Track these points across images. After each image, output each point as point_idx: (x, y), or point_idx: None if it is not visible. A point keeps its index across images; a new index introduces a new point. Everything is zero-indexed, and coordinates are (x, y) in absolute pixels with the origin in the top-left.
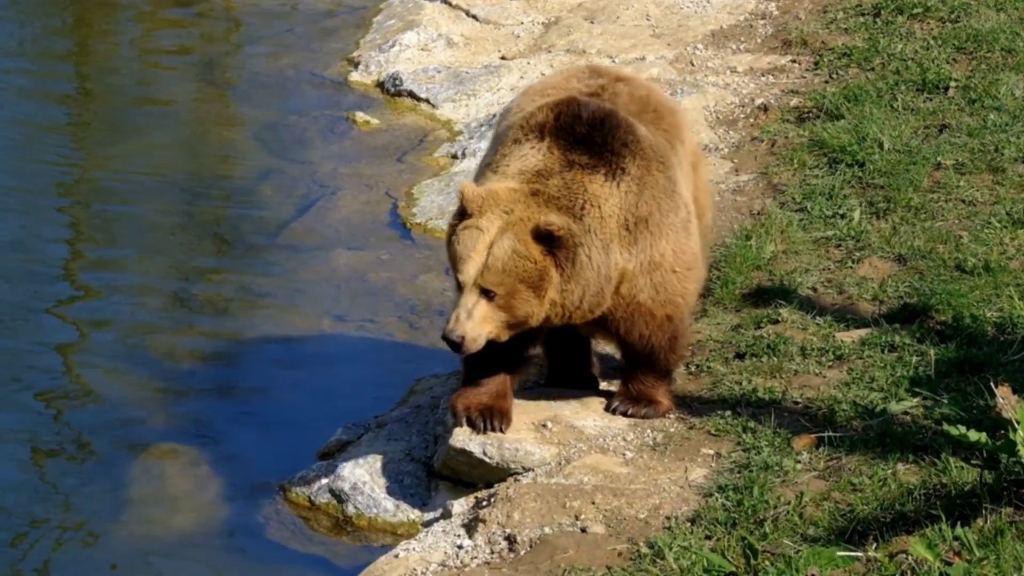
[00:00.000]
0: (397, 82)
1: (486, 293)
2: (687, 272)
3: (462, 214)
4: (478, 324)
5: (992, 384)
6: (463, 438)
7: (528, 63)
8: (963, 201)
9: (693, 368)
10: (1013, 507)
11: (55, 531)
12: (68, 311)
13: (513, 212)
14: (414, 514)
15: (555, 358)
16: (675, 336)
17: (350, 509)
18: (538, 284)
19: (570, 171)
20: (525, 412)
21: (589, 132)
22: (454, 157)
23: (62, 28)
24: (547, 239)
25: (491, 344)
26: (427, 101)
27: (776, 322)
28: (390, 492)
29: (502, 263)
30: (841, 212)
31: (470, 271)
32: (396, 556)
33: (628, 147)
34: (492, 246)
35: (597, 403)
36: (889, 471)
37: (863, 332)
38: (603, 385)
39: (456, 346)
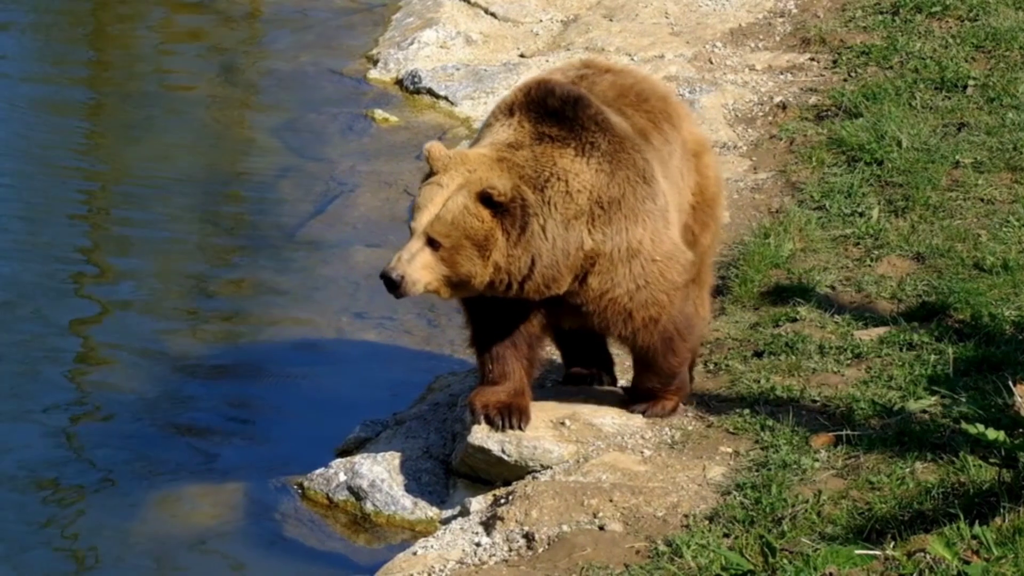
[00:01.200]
0: (416, 80)
1: (432, 243)
2: (668, 261)
3: (430, 174)
4: (419, 269)
5: (1010, 382)
6: (481, 436)
7: (547, 61)
8: (981, 200)
9: (711, 366)
10: None
11: (72, 524)
12: (87, 306)
13: (475, 172)
14: (432, 512)
15: (571, 356)
16: (668, 338)
17: (368, 506)
18: (483, 244)
19: (540, 144)
20: (543, 410)
21: (560, 106)
22: None
23: (81, 21)
24: (487, 202)
25: (508, 340)
26: (446, 99)
27: (794, 320)
28: (408, 489)
29: (452, 216)
30: (859, 210)
31: (422, 220)
32: (414, 554)
33: (599, 124)
34: (448, 200)
35: (615, 401)
36: (907, 469)
37: (881, 330)
38: (622, 383)
39: (393, 285)
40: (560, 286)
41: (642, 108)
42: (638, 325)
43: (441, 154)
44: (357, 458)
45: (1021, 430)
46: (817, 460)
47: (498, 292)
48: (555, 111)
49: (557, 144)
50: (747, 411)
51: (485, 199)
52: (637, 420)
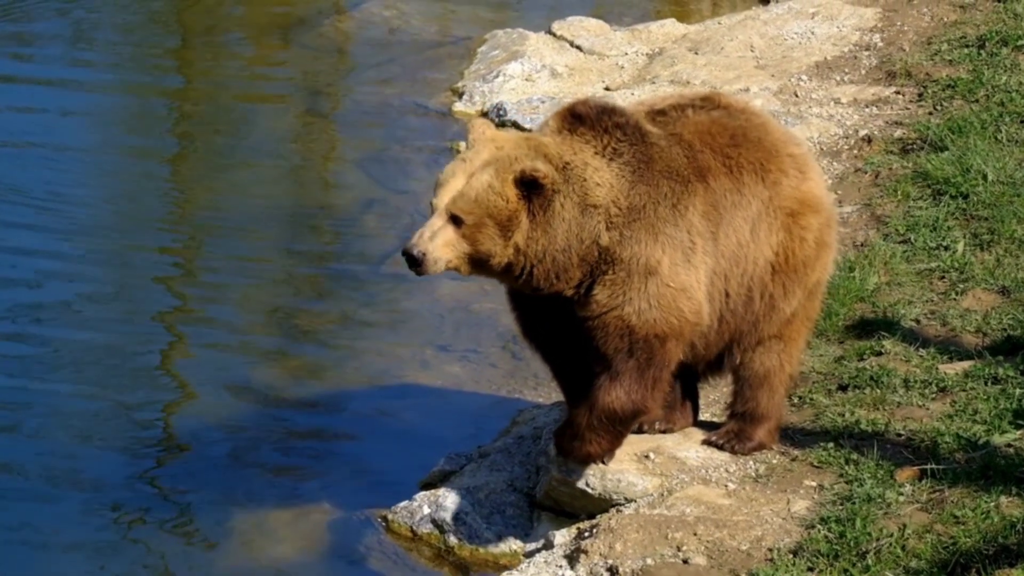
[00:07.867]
0: (501, 112)
1: (455, 220)
2: (682, 292)
3: None
4: (440, 247)
5: None
6: (566, 469)
7: (632, 94)
8: None
9: (796, 400)
10: None
11: (153, 555)
12: (171, 338)
13: (503, 149)
14: (516, 545)
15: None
16: (649, 358)
17: (452, 539)
18: (506, 224)
19: (560, 135)
20: (627, 443)
21: (587, 112)
22: None
23: (167, 53)
24: (530, 184)
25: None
26: (531, 131)
27: (879, 354)
28: (492, 522)
29: (476, 192)
30: (945, 244)
31: (444, 196)
32: None
33: (625, 134)
34: (472, 176)
35: (699, 434)
36: (992, 504)
37: (966, 364)
38: (706, 416)
39: (415, 262)
40: (569, 279)
41: (724, 151)
42: (638, 340)
43: (483, 131)
44: (441, 491)
45: None
46: (902, 494)
47: (513, 276)
48: (582, 116)
49: (578, 138)
50: (831, 445)
51: (527, 182)
52: (721, 454)
